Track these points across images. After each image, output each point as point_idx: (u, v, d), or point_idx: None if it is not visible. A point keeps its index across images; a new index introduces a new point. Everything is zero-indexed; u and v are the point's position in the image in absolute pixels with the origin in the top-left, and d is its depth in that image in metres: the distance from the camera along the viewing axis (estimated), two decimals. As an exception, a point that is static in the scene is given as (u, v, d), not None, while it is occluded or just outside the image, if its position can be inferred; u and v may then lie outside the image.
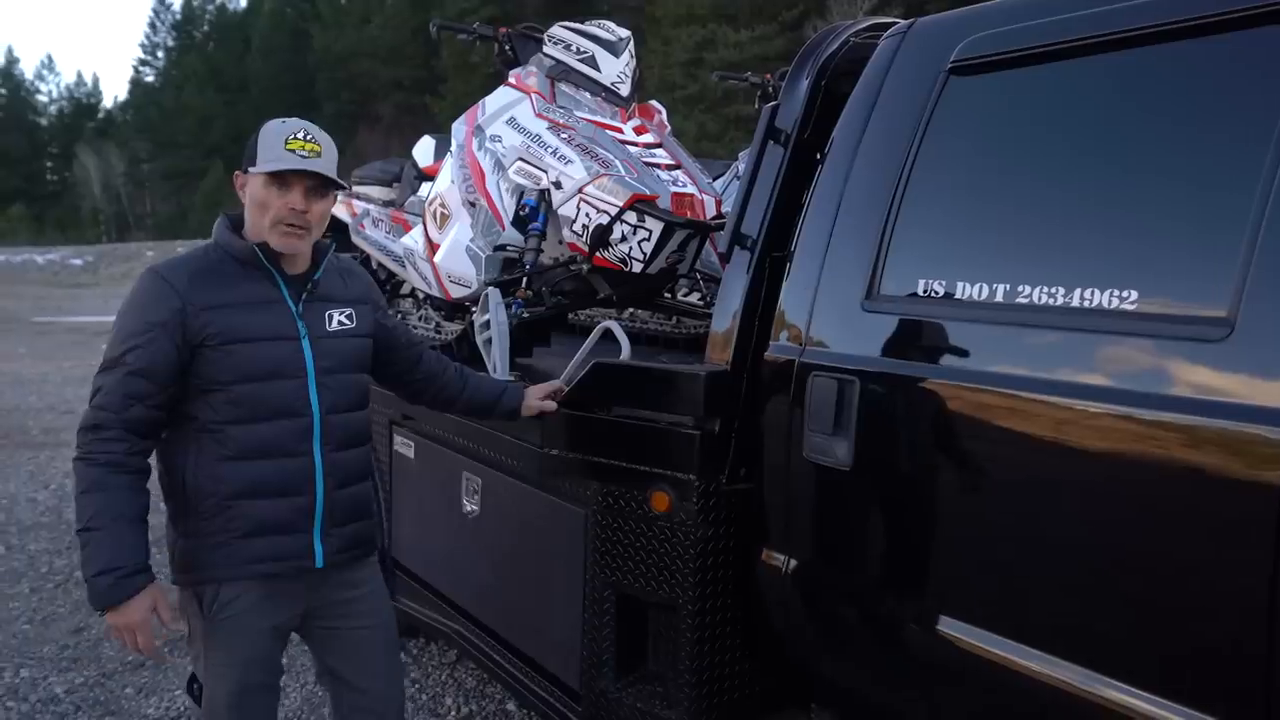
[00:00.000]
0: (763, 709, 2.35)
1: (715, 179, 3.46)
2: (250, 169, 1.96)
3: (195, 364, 1.91)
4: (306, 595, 2.07)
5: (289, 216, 1.94)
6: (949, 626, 1.75)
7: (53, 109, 70.45)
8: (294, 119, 2.01)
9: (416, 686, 3.51)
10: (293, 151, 1.92)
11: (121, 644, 1.92)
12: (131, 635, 1.88)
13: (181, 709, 3.34)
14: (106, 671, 3.64)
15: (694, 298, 3.56)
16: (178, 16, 67.27)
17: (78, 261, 31.56)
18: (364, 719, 2.21)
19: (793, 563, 2.11)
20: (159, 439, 1.98)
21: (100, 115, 70.82)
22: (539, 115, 3.00)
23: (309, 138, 1.95)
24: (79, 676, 3.59)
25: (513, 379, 2.69)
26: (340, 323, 2.09)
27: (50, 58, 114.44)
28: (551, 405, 2.42)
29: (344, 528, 2.08)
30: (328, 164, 1.98)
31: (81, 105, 70.68)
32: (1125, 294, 1.48)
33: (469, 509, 2.94)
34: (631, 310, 3.82)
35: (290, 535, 1.99)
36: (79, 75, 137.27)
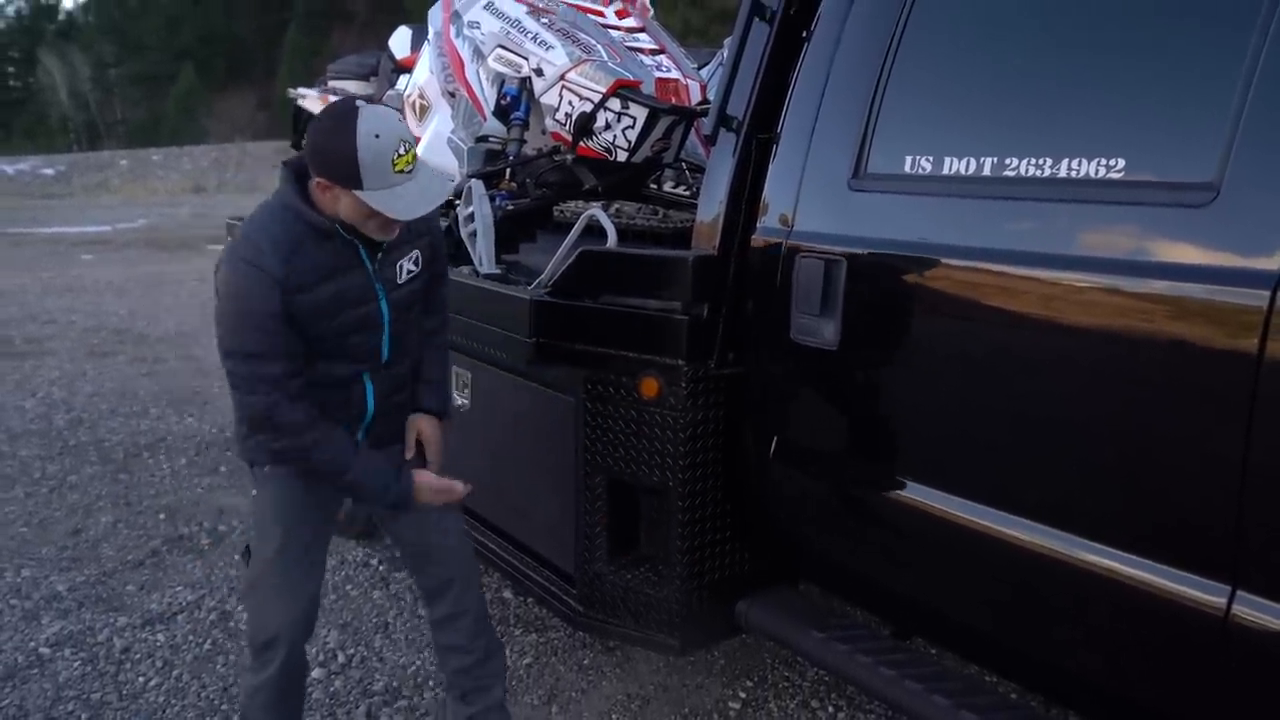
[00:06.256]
0: (752, 586, 2.42)
1: (700, 67, 3.39)
2: (354, 189, 1.82)
3: None
4: None
5: (391, 225, 1.93)
6: (935, 499, 1.79)
7: (9, 10, 67.76)
8: (382, 120, 1.82)
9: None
10: (402, 173, 1.83)
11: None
12: (442, 495, 2.11)
13: (183, 604, 3.42)
14: (107, 570, 3.70)
15: (680, 190, 3.52)
16: (137, -90, 64.06)
17: (49, 171, 30.78)
18: (434, 569, 2.30)
19: (781, 443, 2.14)
20: None
21: (61, 17, 68.13)
22: (518, -1, 2.92)
23: (409, 148, 1.85)
24: (80, 575, 3.66)
25: (499, 271, 2.70)
26: (409, 270, 2.08)
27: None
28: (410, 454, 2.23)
29: (388, 424, 2.18)
30: (431, 182, 1.91)
31: (40, 6, 67.90)
32: (1112, 162, 1.48)
33: (458, 403, 2.96)
34: (617, 206, 3.79)
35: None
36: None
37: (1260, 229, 1.30)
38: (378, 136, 1.79)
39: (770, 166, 2.12)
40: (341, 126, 1.79)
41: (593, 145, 2.84)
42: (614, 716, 2.78)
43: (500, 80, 2.94)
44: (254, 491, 2.16)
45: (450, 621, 2.33)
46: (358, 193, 1.82)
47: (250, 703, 2.19)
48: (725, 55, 2.82)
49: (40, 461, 4.94)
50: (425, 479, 2.10)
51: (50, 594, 3.51)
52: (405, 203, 1.85)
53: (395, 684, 2.92)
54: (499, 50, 2.90)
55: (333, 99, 4.06)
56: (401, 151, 1.82)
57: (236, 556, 3.60)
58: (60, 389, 6.38)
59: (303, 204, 1.90)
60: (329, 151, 1.82)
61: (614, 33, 2.94)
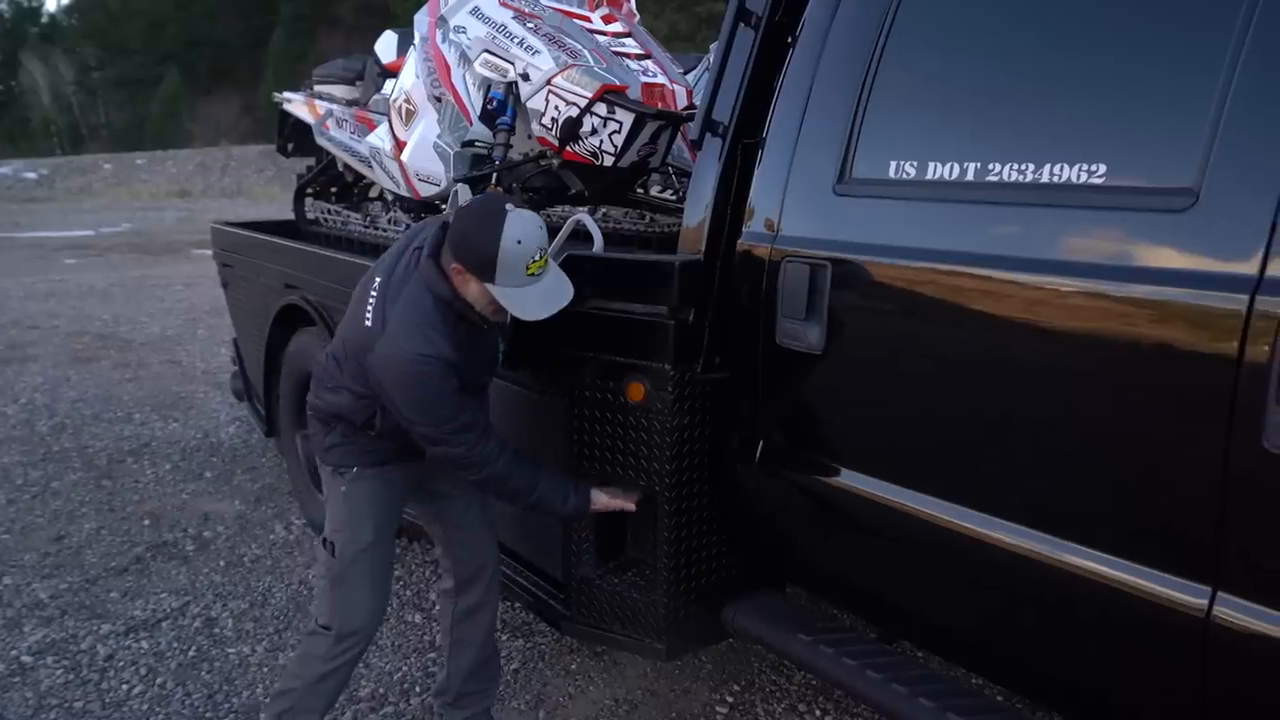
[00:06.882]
0: (739, 590, 2.42)
1: (686, 72, 3.40)
2: (486, 282, 2.02)
3: None
4: (414, 473, 2.39)
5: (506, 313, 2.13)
6: (920, 503, 1.80)
7: (-9, 13, 67.13)
8: (525, 226, 2.01)
9: (401, 583, 3.58)
10: (532, 275, 2.03)
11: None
12: (616, 504, 2.32)
13: (167, 611, 3.40)
14: (90, 577, 3.68)
15: (667, 194, 3.52)
16: (121, -88, 63.60)
17: (32, 175, 30.45)
18: (471, 557, 2.50)
19: (767, 447, 2.15)
20: None
21: (44, 20, 67.63)
22: (504, 4, 2.92)
23: (543, 254, 2.04)
24: (62, 582, 3.63)
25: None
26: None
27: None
28: None
29: None
30: (555, 287, 2.10)
31: (22, 9, 67.39)
32: (1094, 167, 1.49)
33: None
34: (603, 211, 3.79)
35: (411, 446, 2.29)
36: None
37: (1239, 233, 1.32)
38: (519, 242, 1.99)
39: (756, 171, 2.12)
40: (490, 225, 2.00)
41: (579, 150, 2.84)
42: (601, 721, 2.78)
43: (486, 85, 2.94)
44: (342, 489, 2.30)
45: (475, 613, 2.51)
46: (488, 285, 2.02)
47: (313, 689, 2.34)
48: (711, 60, 2.83)
49: (23, 468, 4.91)
50: (600, 496, 2.30)
51: (32, 601, 3.49)
52: (530, 303, 2.07)
53: (381, 690, 2.91)
54: (485, 55, 2.90)
55: (318, 103, 4.07)
56: (536, 257, 2.02)
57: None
58: (43, 395, 6.33)
59: (449, 290, 2.08)
60: (472, 243, 2.02)
61: (600, 38, 2.95)
